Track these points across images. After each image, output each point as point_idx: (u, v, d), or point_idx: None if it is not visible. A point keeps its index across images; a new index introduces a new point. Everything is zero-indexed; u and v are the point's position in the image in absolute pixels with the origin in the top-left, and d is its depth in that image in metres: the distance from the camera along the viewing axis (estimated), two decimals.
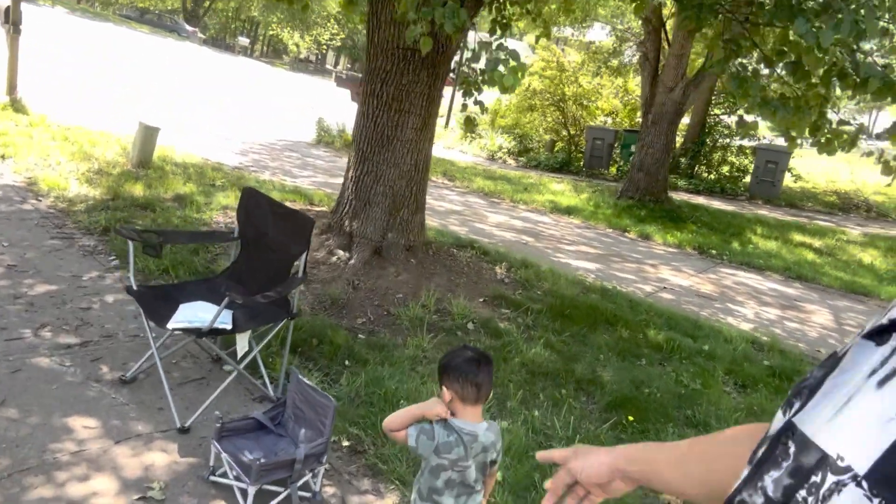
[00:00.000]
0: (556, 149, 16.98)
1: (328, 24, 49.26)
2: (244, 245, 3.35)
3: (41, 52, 14.54)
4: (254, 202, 3.31)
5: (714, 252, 8.74)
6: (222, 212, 5.91)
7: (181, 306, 3.07)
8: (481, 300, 4.92)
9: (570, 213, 9.95)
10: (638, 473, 0.99)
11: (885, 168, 4.07)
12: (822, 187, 16.93)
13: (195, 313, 2.95)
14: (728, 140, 16.29)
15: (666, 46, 11.11)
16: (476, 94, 5.38)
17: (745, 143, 16.27)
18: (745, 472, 0.64)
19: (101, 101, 12.20)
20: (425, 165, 5.36)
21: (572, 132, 17.21)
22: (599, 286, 5.74)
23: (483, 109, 5.45)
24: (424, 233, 5.60)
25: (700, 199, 13.55)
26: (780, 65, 3.57)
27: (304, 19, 47.03)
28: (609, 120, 17.80)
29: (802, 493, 0.56)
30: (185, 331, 2.79)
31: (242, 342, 2.99)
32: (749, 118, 3.81)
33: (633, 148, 15.97)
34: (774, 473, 0.60)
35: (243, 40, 48.41)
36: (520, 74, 3.18)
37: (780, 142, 18.98)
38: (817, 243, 10.23)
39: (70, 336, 3.46)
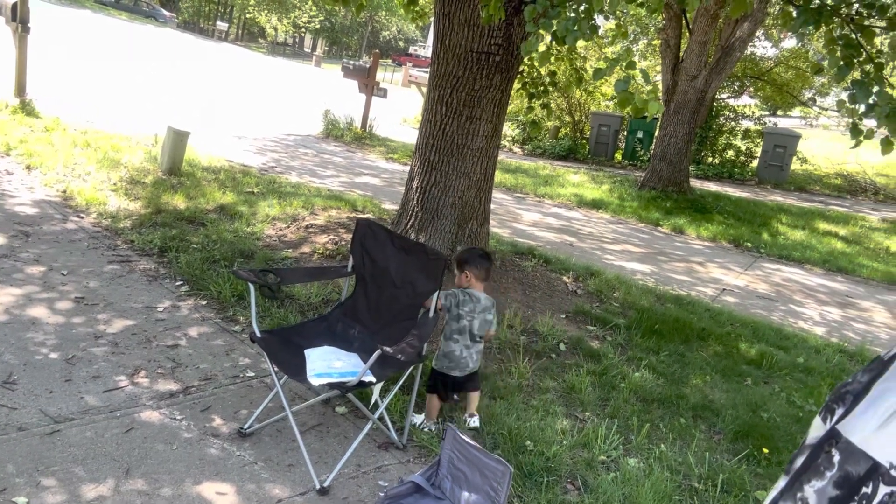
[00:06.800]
0: (559, 135, 16.75)
1: (305, 7, 48.09)
2: (360, 280, 3.10)
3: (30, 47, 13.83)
4: (370, 235, 3.06)
5: (749, 245, 8.65)
6: (271, 224, 5.61)
7: (307, 353, 2.82)
8: (563, 317, 4.73)
9: (598, 207, 9.77)
10: None
11: (854, 132, 3.59)
12: (824, 170, 16.97)
13: (329, 363, 2.71)
14: (733, 123, 16.19)
15: (687, 33, 10.92)
16: (543, 97, 5.15)
17: (752, 125, 16.19)
18: (782, 483, 0.62)
19: (104, 98, 11.67)
20: (493, 174, 5.12)
21: (577, 118, 16.99)
22: (673, 295, 5.57)
23: (549, 113, 5.23)
24: (489, 244, 5.37)
25: (711, 186, 13.47)
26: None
27: (283, 2, 45.85)
28: (611, 104, 17.60)
29: None
30: (330, 385, 2.55)
31: (376, 392, 2.76)
32: (869, 127, 3.59)
33: (639, 134, 15.88)
34: (817, 484, 0.58)
35: (222, 25, 47.21)
36: (654, 97, 2.93)
37: (783, 123, 18.96)
38: (842, 231, 10.20)
39: (169, 382, 3.19)
